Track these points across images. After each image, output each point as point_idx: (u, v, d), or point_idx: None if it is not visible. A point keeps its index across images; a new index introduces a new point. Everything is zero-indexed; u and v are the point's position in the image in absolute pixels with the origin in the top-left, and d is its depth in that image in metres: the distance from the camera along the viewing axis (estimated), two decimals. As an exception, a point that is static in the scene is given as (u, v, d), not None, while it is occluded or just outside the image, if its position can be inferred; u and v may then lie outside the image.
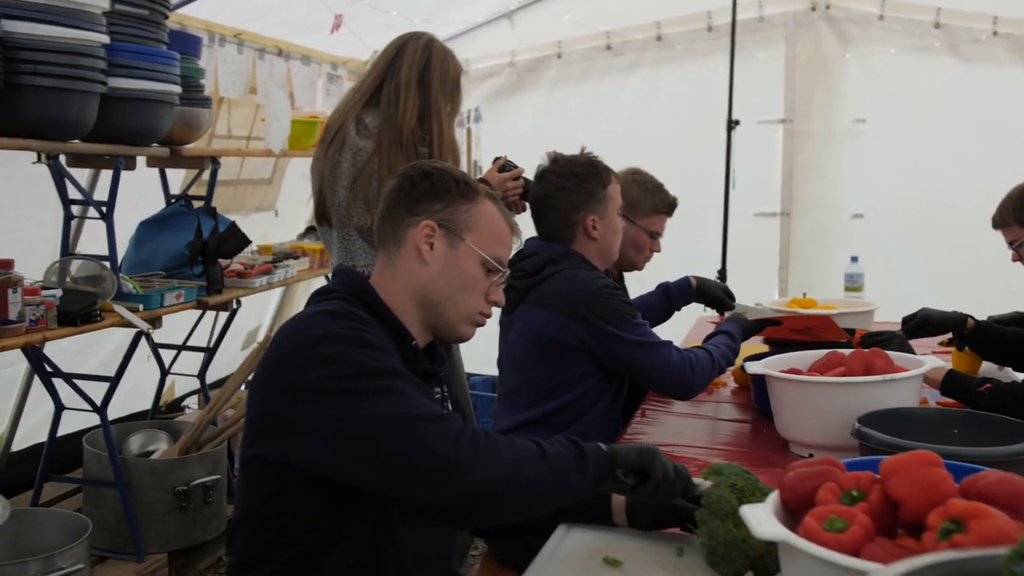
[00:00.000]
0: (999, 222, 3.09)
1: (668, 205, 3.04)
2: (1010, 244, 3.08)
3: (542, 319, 2.47)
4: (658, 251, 3.08)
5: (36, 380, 3.63)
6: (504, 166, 3.01)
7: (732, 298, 3.15)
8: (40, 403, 3.65)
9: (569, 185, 2.56)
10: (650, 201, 3.00)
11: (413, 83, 2.98)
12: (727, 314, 2.93)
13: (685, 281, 3.17)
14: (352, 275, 1.70)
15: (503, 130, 5.40)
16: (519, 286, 2.52)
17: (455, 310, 1.68)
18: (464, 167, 3.40)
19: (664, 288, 3.19)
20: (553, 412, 2.47)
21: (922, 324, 2.94)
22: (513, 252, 1.82)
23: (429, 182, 1.69)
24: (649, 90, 5.50)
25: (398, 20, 4.63)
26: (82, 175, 3.58)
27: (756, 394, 2.65)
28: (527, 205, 2.84)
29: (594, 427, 2.49)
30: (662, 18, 5.46)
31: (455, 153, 3.06)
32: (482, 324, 1.75)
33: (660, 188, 3.05)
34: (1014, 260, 3.09)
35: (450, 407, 1.82)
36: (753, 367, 2.39)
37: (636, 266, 3.08)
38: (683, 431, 2.55)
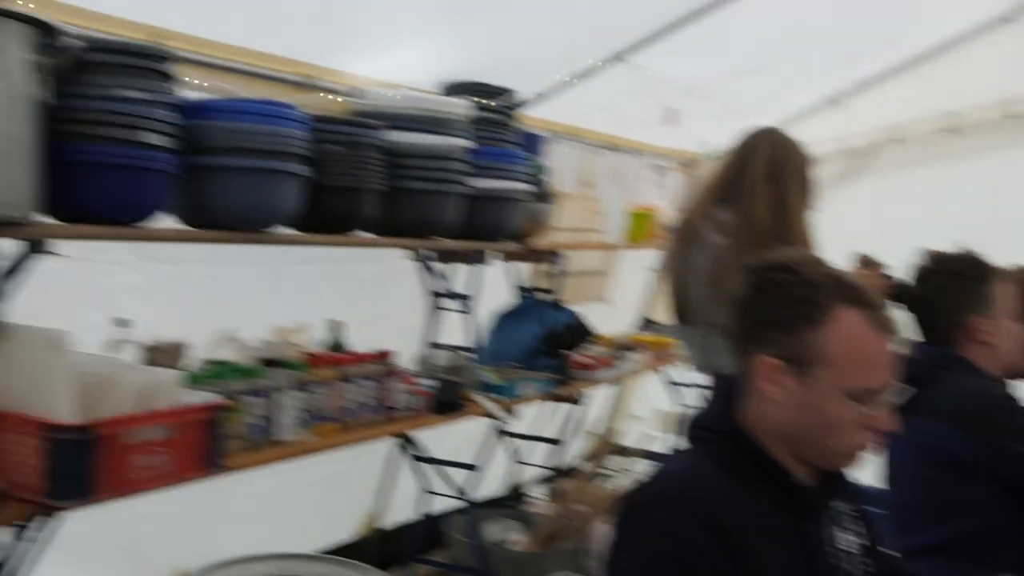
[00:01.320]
0: None
1: None
2: None
3: (931, 430, 2.25)
4: None
5: (399, 464, 3.85)
6: (866, 262, 2.88)
7: None
8: (399, 483, 3.84)
9: (952, 285, 2.38)
10: None
11: (764, 178, 2.94)
12: None
13: None
14: (721, 412, 1.51)
15: (837, 219, 5.18)
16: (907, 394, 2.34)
17: (825, 448, 1.44)
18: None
19: None
20: (952, 540, 2.21)
21: None
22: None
23: (766, 299, 1.45)
24: (1006, 172, 5.08)
25: (728, 112, 4.63)
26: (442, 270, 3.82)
27: None
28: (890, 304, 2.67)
29: (1006, 561, 2.17)
30: (1018, 93, 5.06)
31: (810, 246, 2.97)
32: (865, 451, 1.47)
33: None
34: None
35: (862, 526, 1.61)
36: None
37: None
38: None
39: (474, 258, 3.39)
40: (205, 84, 2.62)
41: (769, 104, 5.06)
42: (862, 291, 1.43)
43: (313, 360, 2.71)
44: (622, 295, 5.36)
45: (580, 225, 4.77)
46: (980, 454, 2.19)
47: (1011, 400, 2.24)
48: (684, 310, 2.97)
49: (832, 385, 1.40)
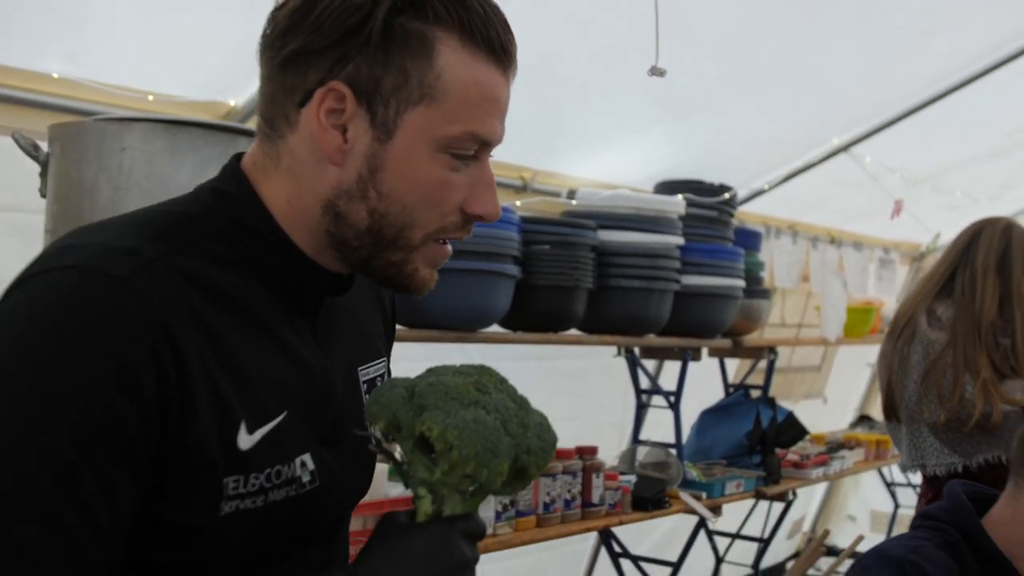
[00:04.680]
0: None
1: None
2: None
3: None
4: None
5: (600, 558, 3.86)
6: None
7: None
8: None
9: None
10: None
11: (991, 270, 2.80)
12: None
13: None
14: (959, 502, 1.49)
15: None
16: None
17: None
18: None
19: None
20: None
21: None
22: None
23: None
24: None
25: (961, 201, 4.42)
26: (648, 365, 3.84)
27: None
28: None
29: None
30: None
31: None
32: None
33: None
34: None
35: None
36: None
37: None
38: None
39: (683, 355, 3.39)
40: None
41: (1008, 193, 4.79)
42: None
43: (516, 454, 2.78)
44: (839, 392, 5.16)
45: (794, 320, 4.66)
46: None
47: None
48: (895, 408, 2.85)
49: None
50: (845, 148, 3.91)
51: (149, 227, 0.90)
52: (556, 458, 2.87)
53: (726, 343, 3.59)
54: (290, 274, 0.95)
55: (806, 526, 5.07)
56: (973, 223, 2.96)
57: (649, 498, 3.05)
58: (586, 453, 2.96)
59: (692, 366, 3.54)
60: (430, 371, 0.98)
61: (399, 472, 0.95)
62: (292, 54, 0.91)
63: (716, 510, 3.31)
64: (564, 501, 2.84)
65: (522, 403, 1.00)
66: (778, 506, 3.84)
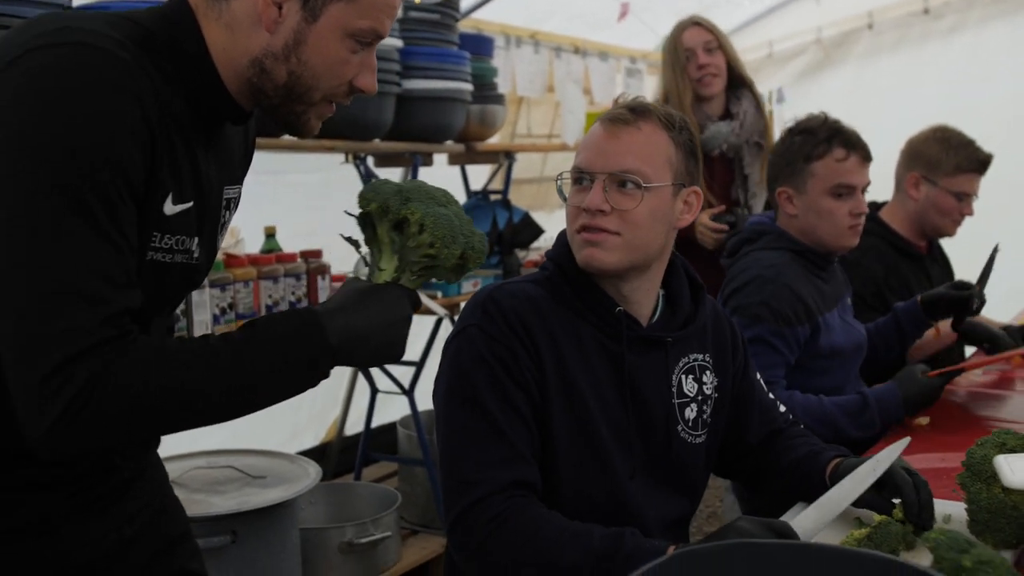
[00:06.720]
0: None
1: (977, 163, 2.78)
2: None
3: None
4: (970, 214, 2.82)
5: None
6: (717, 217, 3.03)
7: (969, 310, 2.46)
8: (367, 391, 3.94)
9: (776, 152, 2.37)
10: (953, 159, 2.77)
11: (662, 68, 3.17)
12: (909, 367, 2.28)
13: (912, 302, 2.54)
14: (560, 249, 1.66)
15: (809, 111, 5.14)
16: (726, 265, 2.43)
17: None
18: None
19: (893, 310, 2.60)
20: None
21: None
22: None
23: None
24: (976, 52, 4.99)
25: (691, 5, 4.55)
26: (392, 175, 3.86)
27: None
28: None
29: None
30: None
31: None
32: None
33: (968, 144, 2.80)
34: None
35: (709, 382, 1.71)
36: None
37: (945, 232, 2.87)
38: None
39: (412, 160, 3.41)
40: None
41: (727, 2, 4.97)
42: None
43: (231, 260, 2.76)
44: (594, 199, 5.35)
45: (542, 131, 4.76)
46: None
47: (775, 283, 2.18)
48: None
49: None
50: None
51: (123, 30, 1.16)
52: (278, 261, 2.88)
53: (459, 148, 3.63)
54: (209, 98, 1.23)
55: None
56: None
57: (380, 297, 3.11)
58: (311, 256, 2.97)
59: (434, 174, 3.57)
60: (411, 180, 1.28)
61: (368, 247, 1.27)
62: None
63: (454, 308, 3.42)
64: (288, 304, 2.87)
65: (470, 219, 1.32)
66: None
